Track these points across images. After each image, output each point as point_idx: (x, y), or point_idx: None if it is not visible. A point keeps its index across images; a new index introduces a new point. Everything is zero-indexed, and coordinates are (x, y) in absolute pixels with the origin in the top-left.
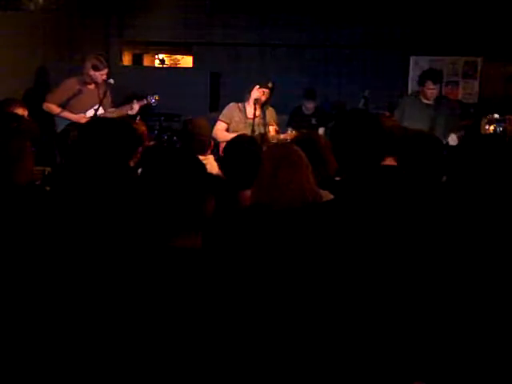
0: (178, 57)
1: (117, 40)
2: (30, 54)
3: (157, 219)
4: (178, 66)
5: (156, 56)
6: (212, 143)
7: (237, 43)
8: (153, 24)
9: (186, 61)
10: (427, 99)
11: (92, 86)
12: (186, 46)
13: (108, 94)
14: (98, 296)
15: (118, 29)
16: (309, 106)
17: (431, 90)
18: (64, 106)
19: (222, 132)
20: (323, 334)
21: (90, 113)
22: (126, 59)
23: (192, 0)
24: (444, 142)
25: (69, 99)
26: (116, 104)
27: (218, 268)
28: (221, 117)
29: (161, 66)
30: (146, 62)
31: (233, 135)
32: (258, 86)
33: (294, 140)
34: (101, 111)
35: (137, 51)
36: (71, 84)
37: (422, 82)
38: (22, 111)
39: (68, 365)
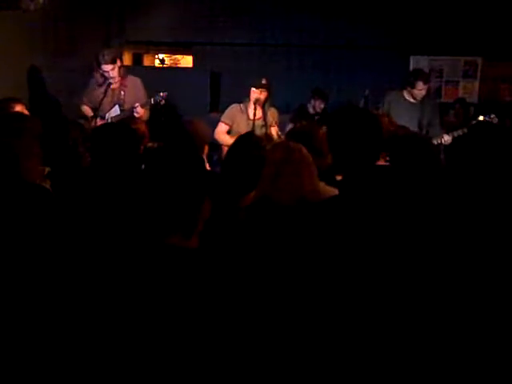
0: (178, 57)
1: (117, 40)
2: (29, 54)
3: (153, 217)
4: (178, 66)
5: (156, 56)
6: (206, 146)
7: (237, 43)
8: (153, 24)
9: (186, 61)
10: (415, 99)
11: (109, 85)
12: (185, 46)
13: (130, 91)
14: (93, 291)
15: (118, 29)
16: (317, 105)
17: (421, 90)
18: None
19: (223, 135)
20: (321, 331)
21: (110, 114)
22: (126, 59)
23: (192, 0)
24: (435, 143)
25: (92, 98)
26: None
27: (213, 266)
28: (222, 118)
29: (161, 65)
30: (146, 61)
31: (233, 139)
32: (253, 88)
33: (290, 133)
34: (115, 113)
35: (137, 51)
36: (91, 83)
37: (411, 82)
38: (21, 109)
39: (64, 361)
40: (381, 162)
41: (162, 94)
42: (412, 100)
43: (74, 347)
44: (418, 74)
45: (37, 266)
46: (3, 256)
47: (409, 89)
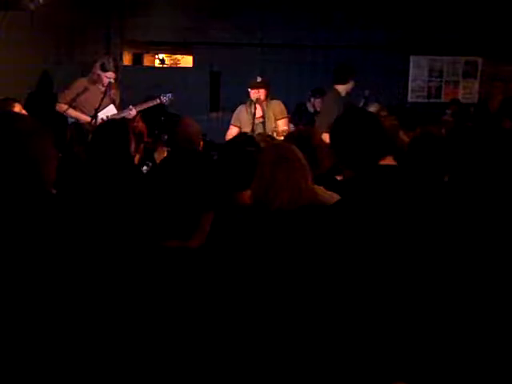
0: (178, 57)
1: (117, 40)
2: (30, 54)
3: (155, 220)
4: (178, 65)
5: (156, 56)
6: (200, 147)
7: (237, 43)
8: (153, 24)
9: (186, 61)
10: (347, 93)
11: (101, 86)
12: (185, 46)
13: (118, 95)
14: (93, 292)
15: (118, 29)
16: (317, 104)
17: (351, 85)
18: (73, 104)
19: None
20: (322, 336)
21: (104, 113)
22: (126, 59)
23: (192, 0)
24: None
25: (76, 98)
26: (132, 103)
27: (211, 267)
28: (232, 121)
29: (161, 65)
30: (146, 61)
31: None
32: (249, 89)
33: (287, 137)
34: (111, 113)
35: (137, 51)
36: (80, 83)
37: (344, 79)
38: (19, 109)
39: (64, 362)
40: (390, 161)
41: (170, 95)
42: (343, 93)
43: (76, 350)
44: (351, 72)
45: (40, 269)
46: (8, 262)
47: (342, 85)
